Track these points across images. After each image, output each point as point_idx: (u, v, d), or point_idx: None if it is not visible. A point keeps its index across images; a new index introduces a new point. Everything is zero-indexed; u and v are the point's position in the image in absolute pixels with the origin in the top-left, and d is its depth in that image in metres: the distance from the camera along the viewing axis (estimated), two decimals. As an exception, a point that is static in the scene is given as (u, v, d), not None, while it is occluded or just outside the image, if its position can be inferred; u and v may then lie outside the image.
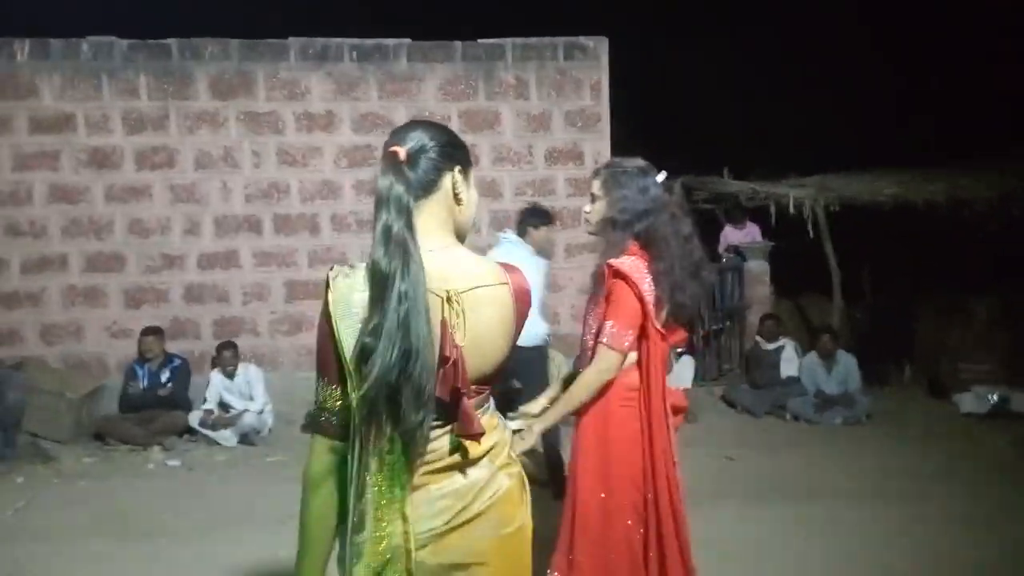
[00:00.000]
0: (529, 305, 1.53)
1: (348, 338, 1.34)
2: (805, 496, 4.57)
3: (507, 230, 4.88)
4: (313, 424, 1.40)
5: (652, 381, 2.24)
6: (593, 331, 2.28)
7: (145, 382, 6.31)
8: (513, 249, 4.56)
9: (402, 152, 1.39)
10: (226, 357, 6.33)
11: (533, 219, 4.78)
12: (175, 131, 6.69)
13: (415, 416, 1.31)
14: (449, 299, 1.37)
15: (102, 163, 6.63)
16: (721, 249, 9.12)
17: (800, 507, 4.37)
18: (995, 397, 6.63)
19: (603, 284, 2.23)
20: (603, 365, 2.19)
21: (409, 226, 1.34)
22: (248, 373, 6.38)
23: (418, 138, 1.43)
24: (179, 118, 6.68)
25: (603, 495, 2.23)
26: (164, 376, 6.33)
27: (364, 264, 1.40)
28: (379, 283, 1.31)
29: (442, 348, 1.34)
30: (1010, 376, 6.89)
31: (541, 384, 3.46)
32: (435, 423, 1.37)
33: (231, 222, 6.78)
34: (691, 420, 6.66)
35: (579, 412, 2.29)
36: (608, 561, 2.22)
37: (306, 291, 6.83)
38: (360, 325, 1.33)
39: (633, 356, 2.25)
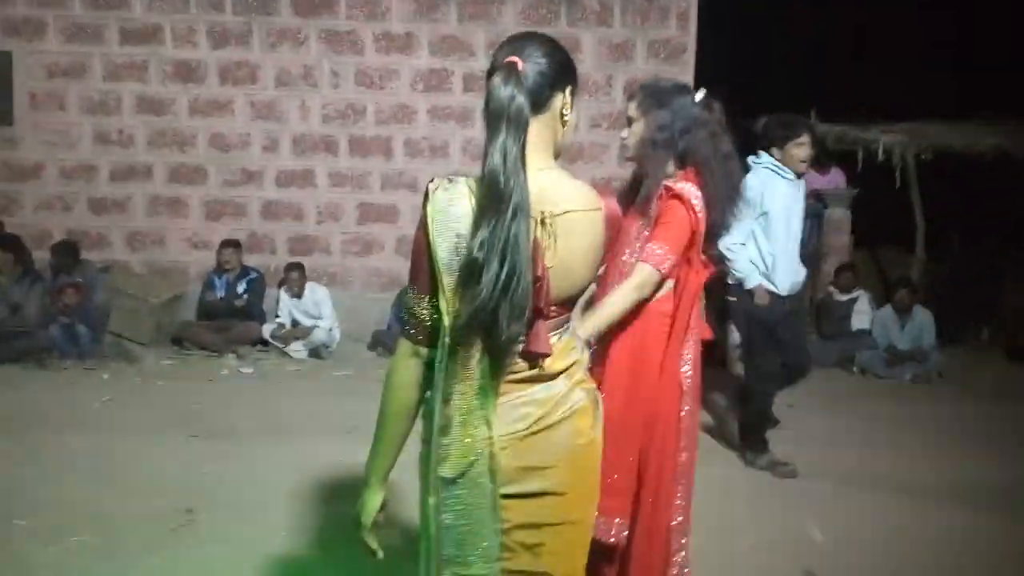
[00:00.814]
0: (619, 231, 1.53)
1: (444, 251, 1.36)
2: (863, 448, 4.50)
3: (760, 152, 4.08)
4: (401, 329, 1.45)
5: (682, 310, 2.18)
6: (634, 250, 2.20)
7: (222, 292, 6.56)
8: (769, 177, 3.96)
9: (521, 64, 1.38)
10: (292, 278, 6.51)
11: (782, 132, 3.98)
12: (257, 47, 6.75)
13: (510, 331, 1.33)
14: (543, 221, 1.38)
15: (187, 76, 6.77)
16: (802, 194, 8.80)
17: (855, 458, 4.32)
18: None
19: (649, 204, 2.16)
20: (640, 280, 2.09)
21: (524, 142, 1.34)
22: (316, 293, 6.56)
23: (536, 53, 1.41)
24: (261, 34, 6.73)
25: (624, 407, 2.16)
26: (240, 288, 6.57)
27: (464, 179, 1.41)
28: (494, 196, 1.30)
29: (532, 268, 1.35)
30: None
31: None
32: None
33: (308, 141, 6.87)
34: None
35: (611, 333, 2.20)
36: (618, 481, 2.14)
37: (378, 214, 6.93)
38: (456, 239, 1.35)
39: (670, 284, 2.20)
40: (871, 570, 3.02)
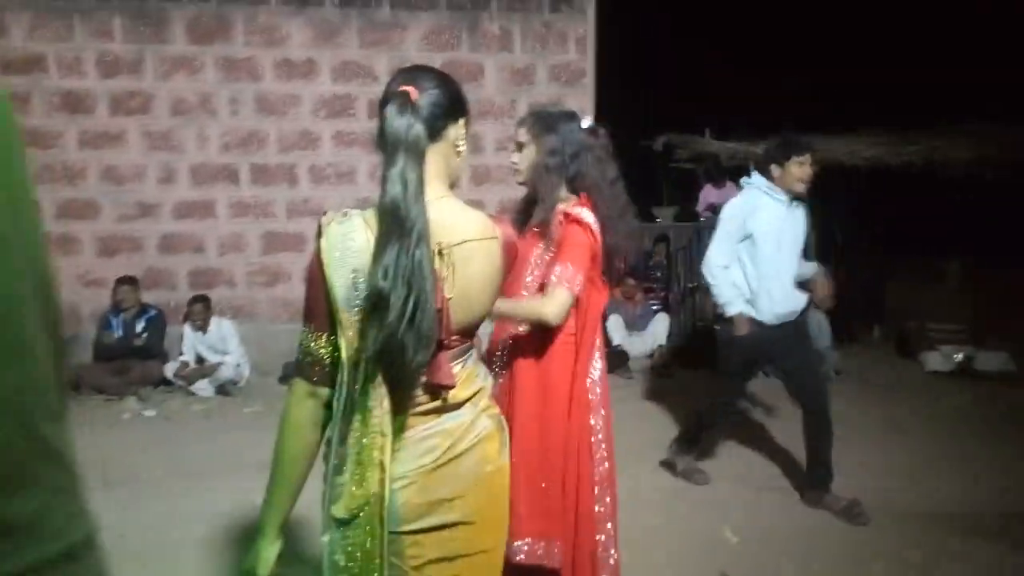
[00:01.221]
0: (515, 258, 1.54)
1: (340, 287, 1.34)
2: (771, 448, 4.69)
3: (753, 172, 3.95)
4: (297, 369, 1.41)
5: (588, 330, 2.23)
6: (533, 274, 2.25)
7: (120, 332, 6.27)
8: (756, 198, 3.80)
9: (415, 94, 1.38)
10: (196, 311, 6.29)
11: (783, 150, 3.76)
12: (151, 75, 6.53)
13: (417, 360, 1.32)
14: (440, 252, 1.37)
15: (75, 107, 6.48)
16: (700, 208, 9.17)
17: (764, 459, 4.50)
18: (960, 356, 6.81)
19: (547, 227, 2.21)
20: (559, 301, 2.11)
21: (422, 170, 1.34)
22: (221, 327, 6.36)
23: (429, 84, 1.42)
24: (155, 62, 6.52)
25: (539, 433, 2.21)
26: (139, 326, 6.29)
27: (358, 212, 1.40)
28: (395, 224, 1.29)
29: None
30: (976, 337, 7.06)
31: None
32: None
33: (208, 171, 6.67)
34: (665, 375, 6.79)
35: (517, 356, 2.24)
36: (546, 504, 2.19)
37: (283, 243, 6.79)
38: (353, 274, 1.33)
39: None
40: (784, 566, 3.14)
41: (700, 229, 8.60)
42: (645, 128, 9.94)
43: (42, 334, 0.72)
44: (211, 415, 5.67)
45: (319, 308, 1.38)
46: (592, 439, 2.24)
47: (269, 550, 1.44)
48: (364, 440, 1.36)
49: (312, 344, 1.39)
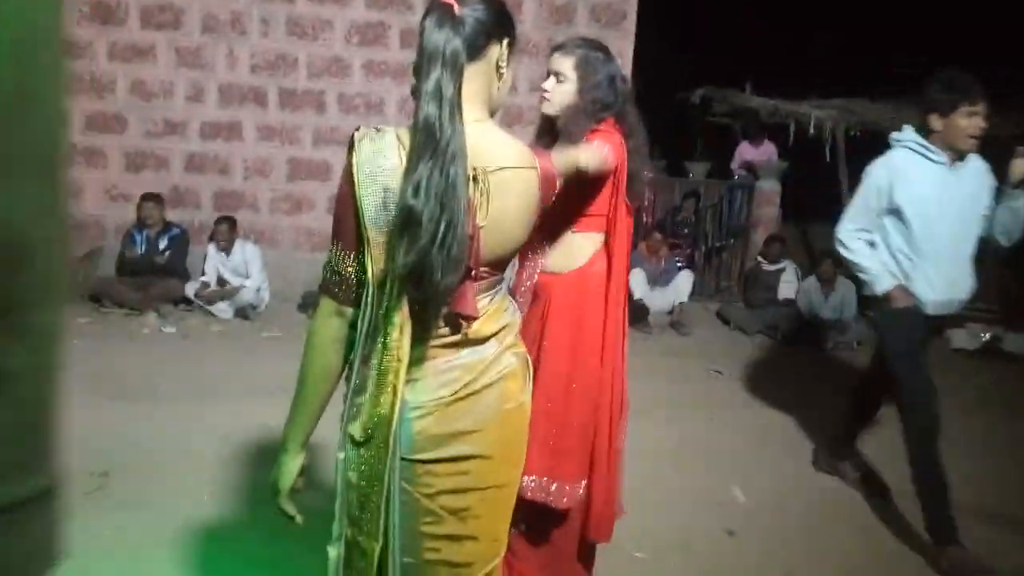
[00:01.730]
0: (555, 192, 1.48)
1: (370, 205, 1.30)
2: (786, 412, 4.64)
3: (905, 128, 3.18)
4: (323, 287, 1.39)
5: (616, 267, 2.20)
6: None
7: (143, 248, 6.29)
8: (907, 161, 3.07)
9: (457, 8, 1.31)
10: (221, 231, 6.28)
11: (948, 95, 2.97)
12: (182, -10, 6.41)
13: (445, 282, 1.27)
14: (475, 177, 1.32)
15: (106, 18, 6.38)
16: (735, 165, 8.96)
17: (779, 422, 4.46)
18: (987, 335, 6.67)
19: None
20: (594, 151, 2.04)
21: (460, 87, 1.28)
22: (245, 250, 6.35)
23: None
24: (187, -24, 6.39)
25: (567, 376, 2.19)
26: (162, 244, 6.31)
27: (392, 128, 1.35)
28: (429, 139, 1.24)
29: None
30: (1007, 318, 6.90)
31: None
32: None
33: (235, 91, 6.59)
34: (683, 333, 6.73)
35: (548, 291, 2.20)
36: (563, 444, 2.19)
37: (309, 170, 6.72)
38: (384, 193, 1.29)
39: (600, 239, 2.22)
40: (789, 528, 3.12)
41: (732, 187, 8.42)
42: (683, 80, 9.66)
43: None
44: (229, 336, 5.71)
45: (347, 226, 1.34)
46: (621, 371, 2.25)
47: (292, 463, 1.44)
48: (383, 363, 1.33)
49: (339, 262, 1.36)
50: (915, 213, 3.02)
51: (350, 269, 1.35)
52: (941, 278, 3.05)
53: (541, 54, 6.70)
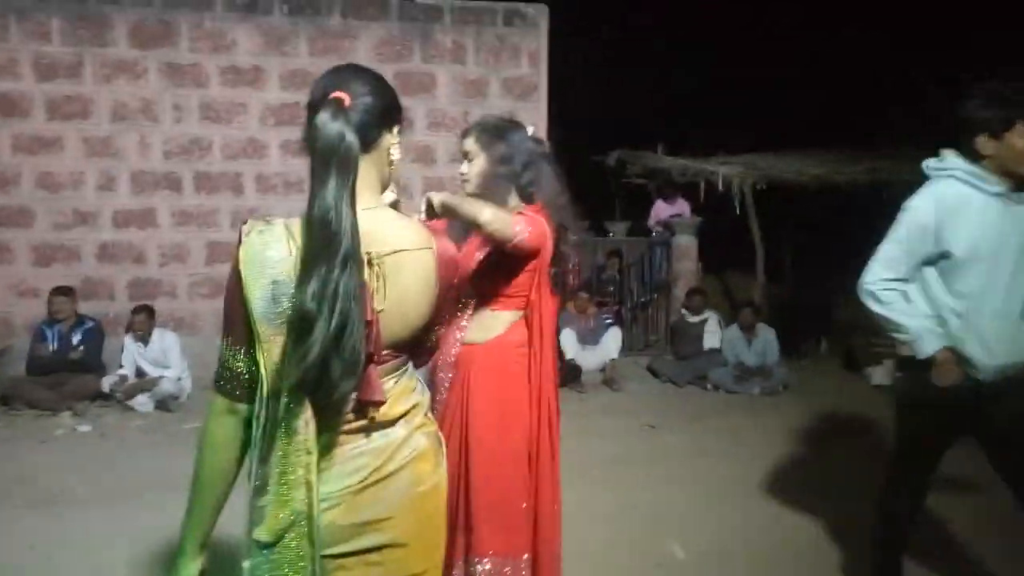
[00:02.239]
0: (455, 272, 1.48)
1: (258, 299, 1.27)
2: (721, 462, 4.70)
3: (945, 153, 2.50)
4: (216, 384, 1.34)
5: (544, 339, 2.22)
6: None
7: (55, 344, 6.03)
8: (957, 196, 2.39)
9: (347, 101, 1.30)
10: (139, 321, 6.09)
11: (1003, 112, 2.34)
12: (90, 80, 6.33)
13: (342, 388, 1.26)
14: (371, 262, 1.32)
15: (9, 111, 6.23)
16: (651, 223, 9.26)
17: (714, 472, 4.50)
18: (903, 371, 6.94)
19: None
20: (503, 215, 2.05)
21: (355, 182, 1.27)
22: (164, 339, 6.16)
23: (362, 90, 1.35)
24: (95, 66, 6.32)
25: (497, 447, 2.19)
26: (75, 338, 6.06)
27: (280, 220, 1.33)
28: (324, 242, 1.22)
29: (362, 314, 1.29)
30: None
31: None
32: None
33: (149, 178, 6.48)
34: (616, 389, 6.79)
35: (466, 367, 2.21)
36: (509, 518, 2.18)
37: (228, 253, 6.55)
38: (273, 286, 1.26)
39: (518, 314, 2.25)
40: (731, 581, 3.13)
41: (652, 244, 8.68)
42: (598, 143, 10.02)
43: None
44: (150, 431, 5.47)
45: (236, 321, 1.31)
46: (553, 443, 2.25)
47: (191, 566, 1.37)
48: (288, 459, 1.29)
49: (230, 358, 1.32)
50: (969, 257, 2.36)
51: (240, 365, 1.31)
52: (999, 337, 2.38)
53: (457, 127, 6.85)
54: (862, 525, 3.66)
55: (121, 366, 6.09)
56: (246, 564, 1.34)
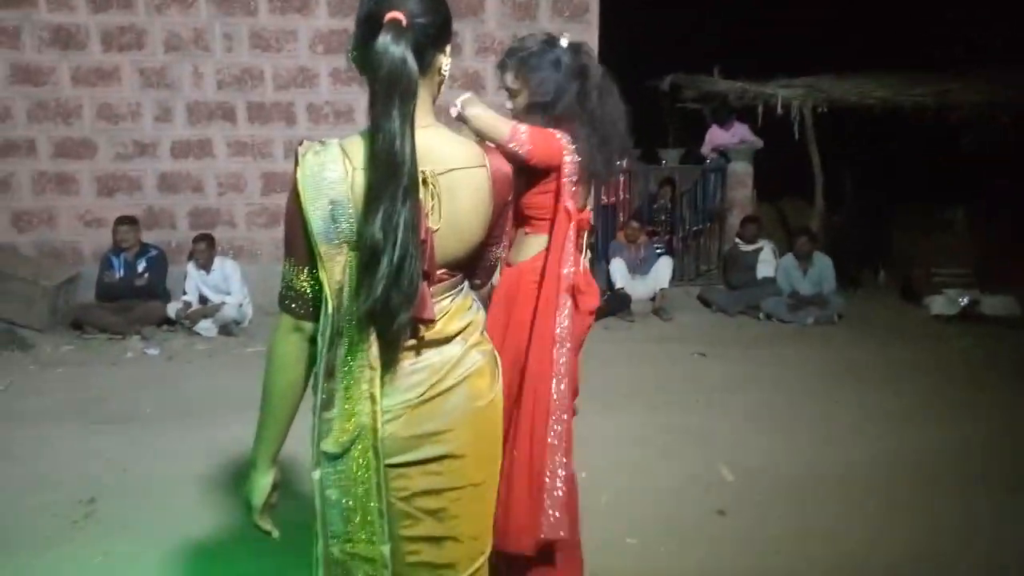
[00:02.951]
0: (510, 190, 1.49)
1: (318, 219, 1.29)
2: (771, 390, 4.69)
3: None
4: (281, 303, 1.38)
5: (550, 263, 2.12)
6: None
7: (121, 272, 6.26)
8: None
9: (404, 20, 1.27)
10: (200, 250, 6.27)
11: None
12: (142, 10, 6.37)
13: (404, 315, 1.29)
14: (425, 181, 1.32)
15: (66, 43, 6.33)
16: (706, 150, 9.02)
17: (764, 400, 4.50)
18: (965, 300, 6.76)
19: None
20: (491, 117, 2.02)
21: (415, 107, 1.26)
22: (225, 267, 6.33)
23: (417, 8, 1.31)
24: (147, -4, 6.36)
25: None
26: (140, 266, 6.28)
27: (335, 141, 1.34)
28: (390, 172, 1.23)
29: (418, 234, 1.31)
30: (982, 281, 7.01)
31: None
32: None
33: (203, 109, 6.56)
34: (666, 319, 6.78)
35: (494, 296, 2.16)
36: None
37: (283, 183, 6.70)
38: (331, 206, 1.28)
39: (544, 241, 2.16)
40: (779, 505, 3.17)
41: (706, 171, 8.48)
42: (651, 67, 9.71)
43: None
44: (214, 355, 5.69)
45: (298, 241, 1.33)
46: (554, 373, 2.09)
47: (263, 480, 1.44)
48: (352, 374, 1.33)
49: (294, 278, 1.35)
50: None
51: (305, 284, 1.34)
52: None
53: (506, 52, 6.72)
54: (905, 456, 3.68)
55: (185, 293, 6.30)
56: (316, 474, 1.39)
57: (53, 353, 5.66)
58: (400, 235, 1.24)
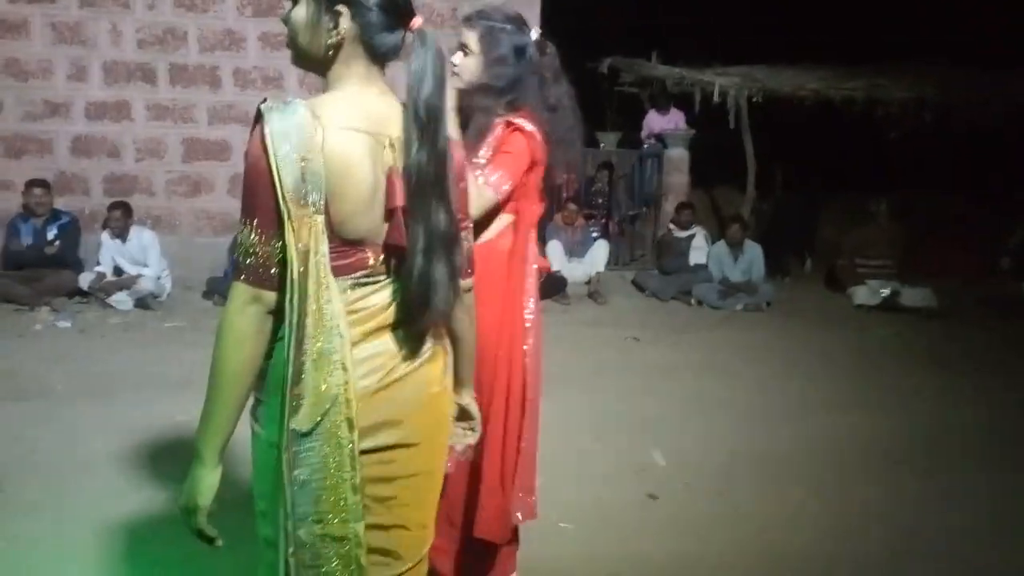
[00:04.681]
0: (463, 172, 1.47)
1: (288, 176, 1.21)
2: (702, 375, 4.75)
3: None
4: (237, 272, 1.27)
5: (518, 245, 2.14)
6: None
7: (30, 239, 5.90)
8: None
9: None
10: (115, 217, 5.96)
11: None
12: (55, -41, 5.96)
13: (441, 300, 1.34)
14: (394, 144, 1.30)
15: (-31, -10, 5.88)
16: (644, 135, 9.06)
17: (695, 385, 4.55)
18: (887, 291, 7.00)
19: (482, 140, 2.07)
20: (482, 199, 1.99)
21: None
22: (142, 237, 6.04)
23: None
24: (60, -55, 5.94)
25: None
26: (51, 233, 5.93)
27: (299, 100, 1.27)
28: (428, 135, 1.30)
29: (389, 197, 1.30)
30: (903, 273, 7.26)
31: None
32: (372, 280, 1.33)
33: (122, 69, 6.20)
34: (600, 302, 6.80)
35: None
36: None
37: (206, 150, 6.41)
38: (303, 164, 1.21)
39: (508, 219, 2.15)
40: (709, 489, 3.19)
41: (643, 156, 8.52)
42: (590, 49, 9.67)
43: None
44: (130, 329, 5.43)
45: (263, 201, 1.23)
46: (524, 363, 2.15)
47: (210, 477, 1.29)
48: (321, 343, 1.25)
49: (254, 242, 1.24)
50: None
51: (267, 248, 1.24)
52: None
53: (445, 24, 6.57)
54: (829, 441, 3.76)
55: (99, 263, 5.99)
56: (285, 456, 1.28)
57: (-48, 325, 5.29)
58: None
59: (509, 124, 2.08)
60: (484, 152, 2.09)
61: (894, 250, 7.44)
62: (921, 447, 3.75)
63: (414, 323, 1.37)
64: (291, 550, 1.30)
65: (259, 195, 1.23)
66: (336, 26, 1.31)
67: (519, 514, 2.13)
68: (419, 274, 1.31)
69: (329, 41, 1.32)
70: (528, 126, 2.08)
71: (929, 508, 3.09)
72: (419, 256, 1.30)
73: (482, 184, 2.01)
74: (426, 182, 1.30)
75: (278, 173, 1.21)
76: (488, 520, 2.09)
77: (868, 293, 7.06)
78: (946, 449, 3.72)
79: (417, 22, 1.36)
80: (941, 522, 2.97)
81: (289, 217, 1.22)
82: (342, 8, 1.31)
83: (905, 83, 8.55)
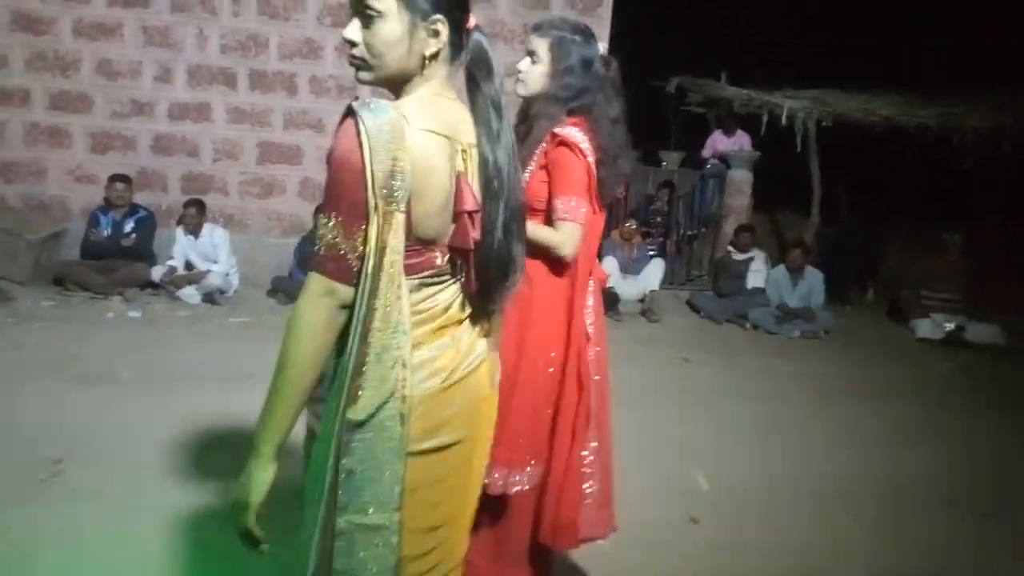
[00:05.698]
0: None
1: (380, 171, 1.23)
2: (752, 400, 4.69)
3: None
4: (314, 264, 1.26)
5: (583, 256, 2.13)
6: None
7: (108, 230, 6.17)
8: None
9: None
10: (190, 214, 6.20)
11: None
12: (149, -33, 6.27)
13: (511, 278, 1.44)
14: (464, 151, 1.36)
15: (69, -6, 6.23)
16: (707, 154, 9.00)
17: (744, 409, 4.50)
18: (951, 325, 6.78)
19: (535, 147, 2.10)
20: (571, 236, 2.03)
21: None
22: (213, 234, 6.27)
23: None
24: (155, -47, 6.25)
25: (515, 364, 2.09)
26: (128, 226, 6.20)
27: (386, 102, 1.29)
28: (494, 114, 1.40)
29: (459, 200, 1.34)
30: (970, 308, 7.02)
31: None
32: (438, 279, 1.37)
33: (205, 72, 6.47)
34: (653, 320, 6.77)
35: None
36: (514, 430, 2.09)
37: (279, 154, 6.63)
38: (393, 162, 1.24)
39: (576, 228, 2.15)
40: (752, 515, 3.16)
41: (705, 176, 8.46)
42: (658, 68, 9.66)
43: None
44: (196, 322, 5.62)
45: (351, 195, 1.24)
46: (588, 371, 2.13)
47: (264, 474, 1.28)
48: (385, 338, 1.27)
49: (336, 235, 1.25)
50: None
51: (349, 243, 1.25)
52: None
53: (516, 39, 6.68)
54: (882, 474, 3.68)
55: (171, 257, 6.23)
56: (334, 443, 1.29)
57: (33, 307, 5.58)
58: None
59: (555, 136, 2.09)
60: (532, 167, 2.12)
61: (962, 283, 7.20)
62: (980, 489, 3.64)
63: (487, 306, 1.44)
64: (327, 540, 1.29)
65: (348, 188, 1.24)
66: (436, 35, 1.33)
67: (598, 528, 2.22)
68: (499, 248, 1.38)
69: (428, 52, 1.33)
70: (572, 137, 2.08)
71: (983, 553, 3.01)
72: (499, 231, 1.38)
73: (561, 221, 2.06)
74: (501, 170, 1.38)
75: (371, 167, 1.22)
76: (554, 529, 2.13)
77: (932, 326, 6.86)
78: (1008, 494, 3.60)
79: (473, 20, 1.41)
80: (997, 571, 2.88)
81: (378, 212, 1.24)
82: (440, 16, 1.32)
83: (982, 111, 8.28)
